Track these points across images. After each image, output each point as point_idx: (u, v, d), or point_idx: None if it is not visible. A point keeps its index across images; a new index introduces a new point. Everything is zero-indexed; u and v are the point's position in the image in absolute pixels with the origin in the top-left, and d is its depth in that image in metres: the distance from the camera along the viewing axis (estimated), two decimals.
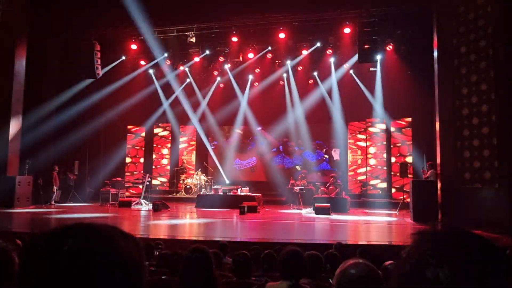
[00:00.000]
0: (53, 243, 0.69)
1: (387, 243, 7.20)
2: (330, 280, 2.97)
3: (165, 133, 18.08)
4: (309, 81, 16.51)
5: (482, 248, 0.65)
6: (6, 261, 2.39)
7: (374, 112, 15.36)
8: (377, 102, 15.05)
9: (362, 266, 1.57)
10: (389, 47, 14.08)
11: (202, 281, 2.37)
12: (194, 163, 17.86)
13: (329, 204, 11.61)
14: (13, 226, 9.28)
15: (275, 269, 3.54)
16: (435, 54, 9.94)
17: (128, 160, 17.66)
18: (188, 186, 15.83)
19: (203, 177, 15.87)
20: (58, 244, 0.69)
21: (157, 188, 17.53)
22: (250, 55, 15.06)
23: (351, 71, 15.83)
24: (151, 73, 16.89)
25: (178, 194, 16.22)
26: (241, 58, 15.26)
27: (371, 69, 14.70)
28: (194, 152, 18.07)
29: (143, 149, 17.77)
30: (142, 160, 17.73)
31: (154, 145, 18.00)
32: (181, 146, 18.09)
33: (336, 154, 17.07)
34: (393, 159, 15.10)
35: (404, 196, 12.95)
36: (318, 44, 14.37)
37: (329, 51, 14.82)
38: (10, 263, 2.40)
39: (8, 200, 11.95)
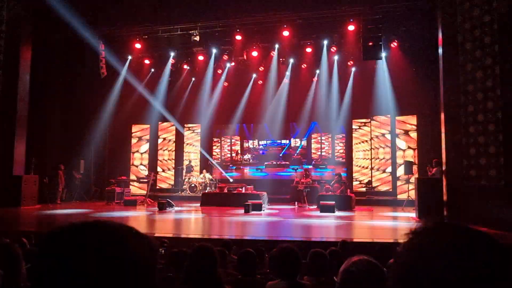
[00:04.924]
0: (68, 238, 0.71)
1: (392, 241, 7.18)
2: (334, 277, 2.97)
3: (170, 132, 18.10)
4: (313, 79, 16.49)
5: (477, 241, 0.65)
6: (13, 259, 2.42)
7: (378, 109, 15.32)
8: (382, 99, 15.01)
9: (366, 263, 1.57)
10: (394, 44, 14.03)
11: (207, 278, 2.38)
12: (198, 161, 17.89)
13: (334, 202, 11.59)
14: (19, 225, 9.35)
15: None
16: (440, 50, 9.88)
17: (133, 158, 17.71)
18: (193, 185, 15.86)
19: (208, 176, 15.89)
20: (72, 239, 0.70)
21: (162, 187, 17.58)
22: (254, 53, 15.06)
23: (354, 68, 15.81)
24: (155, 72, 16.93)
25: (183, 193, 16.26)
26: (245, 56, 15.25)
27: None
28: (199, 150, 18.10)
29: (148, 147, 17.81)
30: (147, 158, 17.76)
31: (159, 143, 18.04)
32: (185, 144, 18.12)
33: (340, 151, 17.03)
34: (398, 157, 15.04)
35: (409, 194, 12.91)
36: (326, 42, 14.35)
37: (333, 49, 14.80)
38: (17, 260, 2.42)
39: (15, 199, 12.03)
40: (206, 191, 14.91)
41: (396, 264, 0.69)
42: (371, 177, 15.65)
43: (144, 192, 15.05)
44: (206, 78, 16.99)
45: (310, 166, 16.61)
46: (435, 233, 0.68)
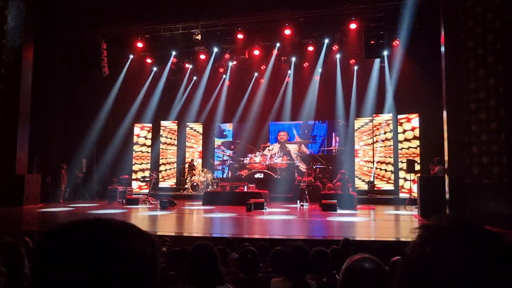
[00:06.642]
0: (68, 236, 0.71)
1: (394, 239, 7.18)
2: (336, 275, 2.97)
3: (172, 130, 18.11)
4: (315, 77, 16.47)
5: (492, 243, 0.63)
6: (16, 257, 2.42)
7: (380, 108, 15.29)
8: (384, 98, 14.98)
9: (368, 261, 1.57)
10: (396, 42, 13.99)
11: (208, 277, 2.38)
12: (200, 160, 17.90)
13: (336, 201, 11.58)
14: (22, 224, 9.38)
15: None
16: (442, 48, 9.85)
17: (135, 157, 17.72)
18: (194, 184, 15.86)
19: (209, 175, 15.89)
20: (73, 237, 0.70)
21: (164, 186, 17.59)
22: (256, 52, 15.04)
23: (357, 67, 15.77)
24: (157, 71, 16.94)
25: (185, 192, 16.27)
26: (246, 55, 15.24)
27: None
28: (201, 149, 18.10)
29: (150, 147, 17.82)
30: (149, 158, 17.77)
31: (161, 142, 18.04)
32: (187, 143, 18.13)
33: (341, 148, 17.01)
34: (400, 155, 15.01)
35: (411, 192, 12.89)
36: (328, 41, 14.32)
37: (335, 47, 14.77)
38: (20, 259, 2.43)
39: (17, 199, 12.07)
40: (208, 189, 14.92)
41: (403, 267, 0.68)
42: (373, 175, 15.62)
43: (146, 191, 15.08)
44: (207, 77, 16.97)
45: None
46: (447, 233, 0.66)
